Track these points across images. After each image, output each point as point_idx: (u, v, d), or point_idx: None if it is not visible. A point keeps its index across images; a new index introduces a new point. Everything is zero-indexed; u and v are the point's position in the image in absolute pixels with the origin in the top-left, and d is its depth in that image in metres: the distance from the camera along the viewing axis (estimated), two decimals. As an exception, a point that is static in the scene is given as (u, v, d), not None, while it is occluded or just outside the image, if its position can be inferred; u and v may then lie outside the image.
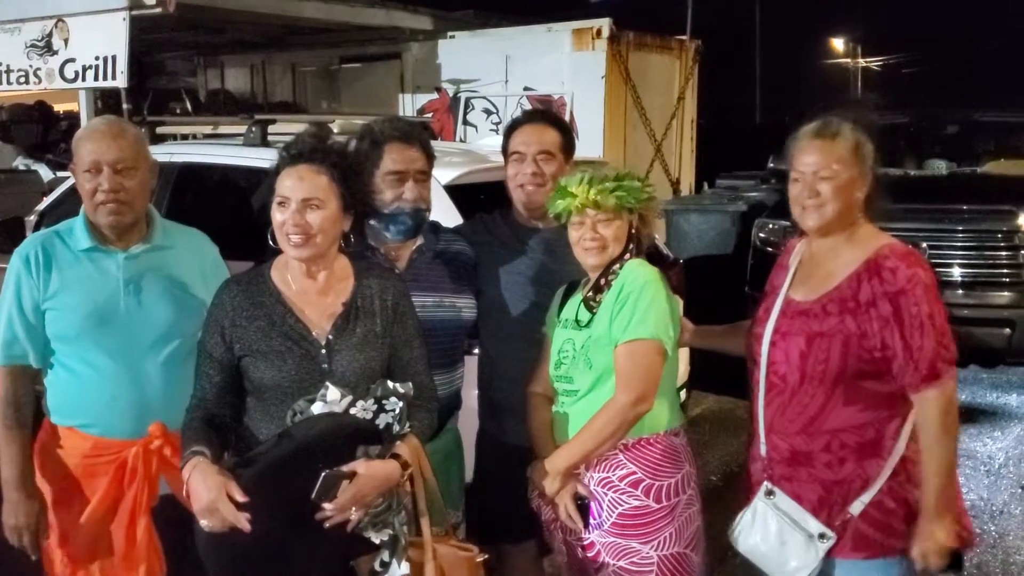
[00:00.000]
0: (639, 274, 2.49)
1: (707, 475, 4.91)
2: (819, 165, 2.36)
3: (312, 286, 2.31)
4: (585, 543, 2.49)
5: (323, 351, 2.25)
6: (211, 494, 2.04)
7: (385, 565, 2.16)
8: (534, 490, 2.57)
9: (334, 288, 2.33)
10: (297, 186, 2.22)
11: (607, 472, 2.47)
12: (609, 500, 2.45)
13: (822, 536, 2.34)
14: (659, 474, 2.46)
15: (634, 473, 2.45)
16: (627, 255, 2.54)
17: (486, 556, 2.38)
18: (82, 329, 2.47)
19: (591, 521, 2.47)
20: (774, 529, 2.40)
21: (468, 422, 2.94)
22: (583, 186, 2.49)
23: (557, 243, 2.72)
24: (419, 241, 2.79)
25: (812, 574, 2.37)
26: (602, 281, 2.52)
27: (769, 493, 2.43)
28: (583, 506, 2.47)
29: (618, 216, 2.51)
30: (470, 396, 2.93)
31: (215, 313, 2.29)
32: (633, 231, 2.56)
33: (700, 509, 2.54)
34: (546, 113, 3.25)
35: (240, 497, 2.02)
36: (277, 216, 2.24)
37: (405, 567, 2.17)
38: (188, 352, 2.35)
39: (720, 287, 6.40)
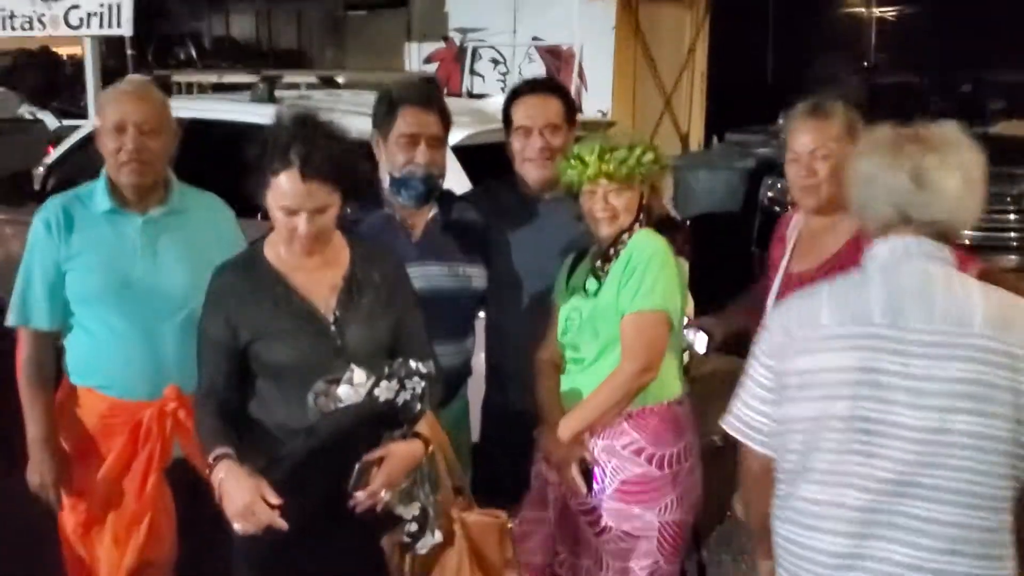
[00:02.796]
0: (647, 245, 2.50)
1: (708, 434, 4.95)
2: (815, 144, 2.45)
3: (311, 263, 2.27)
4: (587, 508, 2.54)
5: (333, 327, 2.24)
6: (246, 497, 2.03)
7: (413, 536, 2.20)
8: (539, 454, 2.62)
9: (332, 262, 2.30)
10: (307, 200, 2.13)
11: (611, 440, 2.50)
12: (612, 467, 2.50)
13: None
14: (662, 442, 2.50)
15: (637, 441, 2.49)
16: (637, 225, 2.55)
17: (511, 524, 2.41)
18: (100, 291, 2.51)
19: (595, 487, 2.51)
20: None
21: (475, 386, 2.98)
22: (595, 156, 2.48)
23: (564, 212, 2.72)
24: (434, 210, 2.79)
25: None
26: (611, 251, 2.53)
27: None
28: (587, 472, 2.52)
29: (629, 186, 2.51)
30: (478, 361, 2.96)
31: (216, 300, 2.24)
32: (644, 201, 2.56)
33: (701, 477, 2.59)
34: (547, 82, 3.22)
35: (274, 499, 2.02)
36: (283, 219, 2.16)
37: (439, 535, 2.22)
38: None
39: (728, 245, 6.39)
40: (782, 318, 1.96)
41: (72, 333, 2.58)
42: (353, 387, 2.14)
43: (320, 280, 2.27)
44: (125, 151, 2.49)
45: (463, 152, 3.70)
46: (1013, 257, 5.83)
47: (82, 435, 2.58)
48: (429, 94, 2.75)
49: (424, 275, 2.70)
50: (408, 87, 2.78)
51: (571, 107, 2.90)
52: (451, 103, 4.42)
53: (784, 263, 2.57)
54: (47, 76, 11.09)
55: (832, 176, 2.43)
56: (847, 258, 2.42)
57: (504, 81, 9.42)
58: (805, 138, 2.47)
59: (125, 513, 2.54)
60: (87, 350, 2.56)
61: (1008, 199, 5.92)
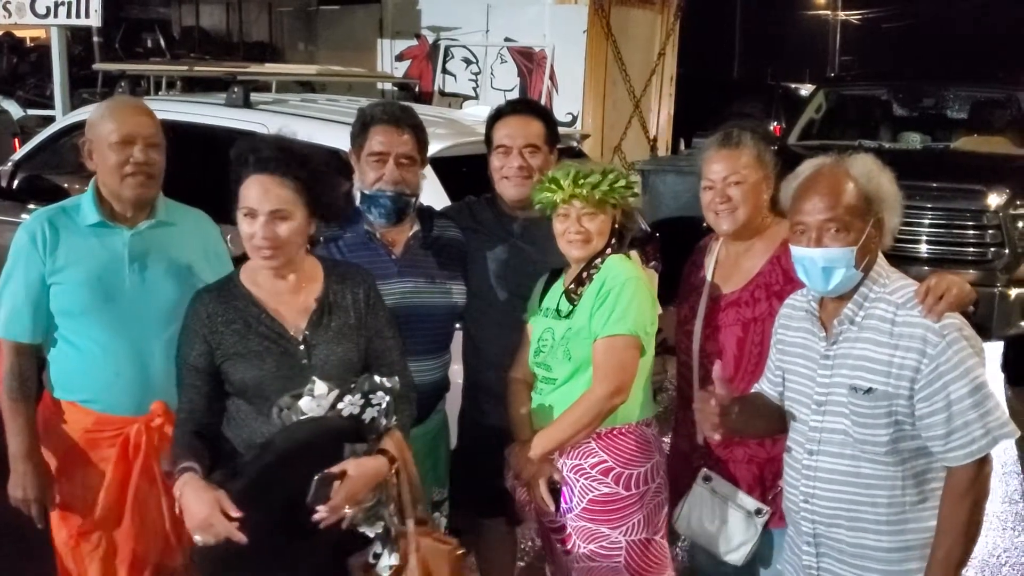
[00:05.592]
0: (620, 270, 2.56)
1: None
2: (728, 171, 2.57)
3: (283, 286, 2.33)
4: (556, 526, 2.60)
5: (301, 347, 2.28)
6: (205, 510, 2.06)
7: (378, 557, 2.22)
8: (509, 471, 2.67)
9: (305, 287, 2.35)
10: (264, 198, 2.22)
11: (580, 459, 2.56)
12: (581, 486, 2.55)
13: (758, 511, 2.53)
14: (630, 463, 2.56)
15: (606, 461, 2.55)
16: (609, 249, 2.60)
17: (463, 550, 2.43)
18: (87, 305, 2.49)
19: (563, 505, 2.57)
20: (716, 511, 2.57)
21: (453, 397, 3.01)
22: (569, 180, 2.53)
23: (540, 232, 2.77)
24: (415, 227, 2.82)
25: (754, 547, 2.54)
26: (584, 274, 2.59)
27: (707, 479, 2.61)
28: (556, 490, 2.57)
29: (602, 210, 2.57)
30: (455, 372, 3.00)
31: (192, 325, 2.31)
32: (616, 226, 2.62)
33: (668, 497, 2.65)
34: (531, 104, 3.27)
35: (233, 512, 2.05)
36: (245, 227, 2.24)
37: (395, 557, 2.23)
38: None
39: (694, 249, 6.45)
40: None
41: (56, 347, 2.55)
42: (315, 399, 2.16)
43: (292, 303, 2.33)
44: (133, 163, 2.48)
45: (440, 164, 3.72)
46: (972, 271, 5.94)
47: (66, 449, 2.56)
48: (401, 113, 2.78)
49: (404, 291, 2.74)
50: (382, 107, 2.82)
51: (553, 131, 2.94)
52: (428, 113, 4.41)
53: (707, 288, 2.69)
54: (10, 62, 10.85)
55: (745, 200, 2.56)
56: (771, 276, 2.57)
57: (476, 81, 9.44)
58: (718, 166, 2.59)
59: (121, 530, 2.53)
60: (72, 364, 2.53)
61: (967, 215, 6.03)
